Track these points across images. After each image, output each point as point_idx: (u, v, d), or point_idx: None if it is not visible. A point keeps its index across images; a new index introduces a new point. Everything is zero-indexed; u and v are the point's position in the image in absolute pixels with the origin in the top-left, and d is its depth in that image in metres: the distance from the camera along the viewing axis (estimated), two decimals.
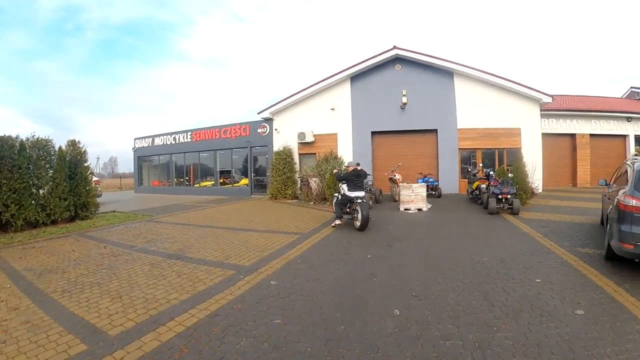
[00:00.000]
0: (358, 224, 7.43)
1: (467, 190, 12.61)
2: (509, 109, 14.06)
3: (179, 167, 21.42)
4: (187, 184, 20.84)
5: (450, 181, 14.05)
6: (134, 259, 5.65)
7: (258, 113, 16.18)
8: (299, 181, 14.61)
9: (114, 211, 12.15)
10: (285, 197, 14.38)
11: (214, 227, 8.21)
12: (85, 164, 10.46)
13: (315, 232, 7.42)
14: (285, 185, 14.45)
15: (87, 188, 10.24)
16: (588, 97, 20.27)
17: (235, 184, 18.55)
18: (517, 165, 11.50)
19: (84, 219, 9.98)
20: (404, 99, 14.15)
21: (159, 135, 21.90)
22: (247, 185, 17.65)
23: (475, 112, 14.11)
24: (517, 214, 9.08)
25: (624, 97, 22.02)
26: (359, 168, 8.33)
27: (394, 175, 12.48)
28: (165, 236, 7.38)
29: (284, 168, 14.53)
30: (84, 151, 10.42)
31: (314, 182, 13.12)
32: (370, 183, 11.83)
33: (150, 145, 22.40)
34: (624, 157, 17.10)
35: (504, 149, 14.39)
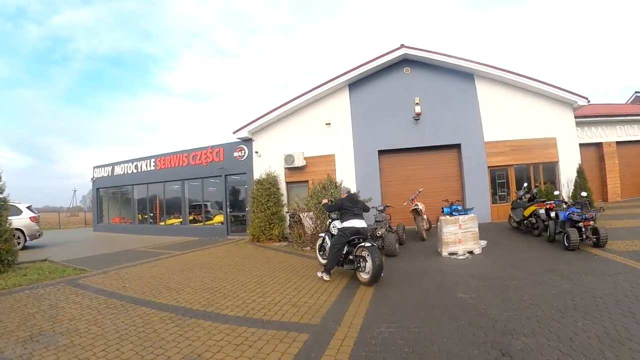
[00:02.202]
0: (366, 276, 5.33)
1: (511, 217, 9.78)
2: (541, 116, 11.60)
3: (141, 201, 17.83)
4: (151, 222, 17.23)
5: (480, 207, 10.98)
6: None
7: (234, 132, 12.96)
8: (288, 218, 11.31)
9: (45, 260, 9.22)
10: (270, 239, 11.00)
11: (153, 306, 4.79)
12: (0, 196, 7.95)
13: (334, 316, 4.11)
14: (270, 224, 11.10)
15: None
16: (602, 105, 18.23)
17: (208, 222, 15.05)
18: (581, 182, 8.99)
19: None
20: (417, 109, 11.34)
21: (119, 163, 18.39)
22: (221, 223, 14.23)
23: (503, 121, 11.51)
24: (604, 246, 6.76)
25: (628, 102, 20.35)
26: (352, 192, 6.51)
27: (417, 205, 9.39)
28: (65, 327, 4.09)
29: (267, 201, 11.22)
30: None
31: (308, 219, 9.87)
32: (388, 218, 8.76)
33: (109, 174, 18.84)
34: None
35: (539, 163, 11.78)
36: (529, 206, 8.92)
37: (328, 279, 5.75)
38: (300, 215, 10.23)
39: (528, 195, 9.54)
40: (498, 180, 11.85)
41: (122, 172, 18.04)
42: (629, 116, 14.61)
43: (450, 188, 11.58)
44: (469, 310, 4.09)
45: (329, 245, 6.12)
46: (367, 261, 5.32)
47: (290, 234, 10.49)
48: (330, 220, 6.51)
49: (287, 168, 12.33)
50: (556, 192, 8.67)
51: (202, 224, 15.06)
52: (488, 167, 11.46)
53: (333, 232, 6.16)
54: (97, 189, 20.03)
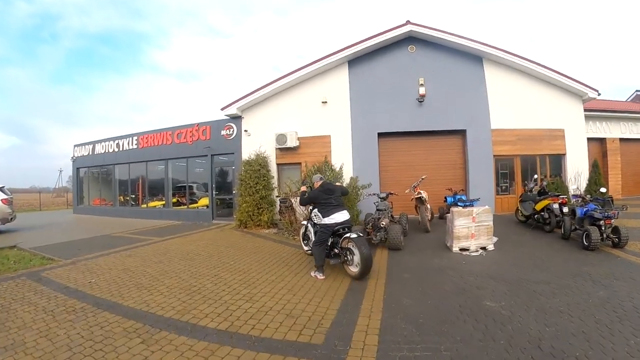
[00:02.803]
0: (355, 269, 5.00)
1: (518, 211, 9.23)
2: (550, 106, 10.97)
3: (123, 182, 16.76)
4: (132, 204, 16.22)
5: (485, 198, 10.31)
6: None
7: (222, 109, 11.93)
8: (279, 202, 10.47)
9: (14, 246, 8.41)
10: (259, 226, 10.18)
11: (119, 312, 3.96)
12: None
13: (341, 332, 3.33)
14: (258, 209, 10.26)
15: None
16: (605, 101, 17.69)
17: (192, 205, 14.11)
18: (596, 176, 8.36)
19: None
20: (422, 90, 10.50)
21: (100, 142, 17.26)
22: (207, 206, 13.31)
23: (512, 108, 10.82)
24: (624, 247, 6.25)
25: (628, 101, 19.86)
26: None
27: (421, 194, 8.66)
28: (12, 339, 3.31)
29: (256, 184, 10.32)
30: None
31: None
32: (391, 207, 7.99)
33: (90, 153, 17.71)
34: None
35: (546, 155, 11.17)
36: (540, 200, 8.28)
37: (322, 277, 5.14)
38: (292, 200, 9.41)
39: (537, 188, 8.94)
40: (502, 171, 11.19)
41: (103, 151, 16.96)
42: (634, 113, 14.10)
43: (453, 176, 10.87)
44: (503, 324, 3.39)
45: (312, 240, 5.73)
46: (354, 253, 4.98)
47: (280, 220, 9.68)
48: (312, 207, 5.88)
49: (279, 149, 11.42)
50: (574, 187, 8.06)
51: (185, 207, 14.13)
52: (494, 155, 10.76)
53: (315, 221, 5.66)
54: (77, 168, 18.89)
